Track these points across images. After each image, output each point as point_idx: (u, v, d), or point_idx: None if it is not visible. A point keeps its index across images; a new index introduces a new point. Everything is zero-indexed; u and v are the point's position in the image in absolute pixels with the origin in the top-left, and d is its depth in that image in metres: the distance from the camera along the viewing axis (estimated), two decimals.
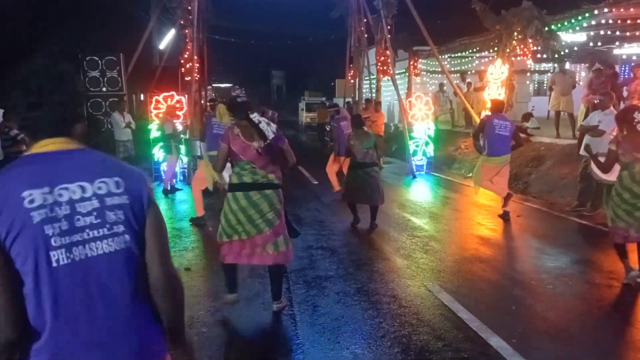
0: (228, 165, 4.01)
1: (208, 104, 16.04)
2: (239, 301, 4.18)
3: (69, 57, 12.00)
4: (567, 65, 13.16)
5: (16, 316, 1.29)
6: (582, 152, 6.63)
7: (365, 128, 7.25)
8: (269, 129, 3.72)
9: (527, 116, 11.98)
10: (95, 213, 1.38)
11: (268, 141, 3.71)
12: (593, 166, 5.23)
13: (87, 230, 1.37)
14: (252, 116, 3.76)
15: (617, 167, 4.62)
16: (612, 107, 7.12)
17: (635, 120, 4.39)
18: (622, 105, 9.07)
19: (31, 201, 1.30)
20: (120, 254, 1.42)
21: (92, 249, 1.37)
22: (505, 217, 7.12)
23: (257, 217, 3.79)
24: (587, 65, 11.80)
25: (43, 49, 1.52)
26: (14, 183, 1.32)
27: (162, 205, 8.52)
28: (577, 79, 11.98)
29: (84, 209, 1.37)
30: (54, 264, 1.32)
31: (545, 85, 19.55)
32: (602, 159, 4.97)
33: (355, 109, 17.06)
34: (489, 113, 7.77)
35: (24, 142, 7.50)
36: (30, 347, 1.32)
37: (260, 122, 3.72)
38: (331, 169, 9.13)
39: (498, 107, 7.45)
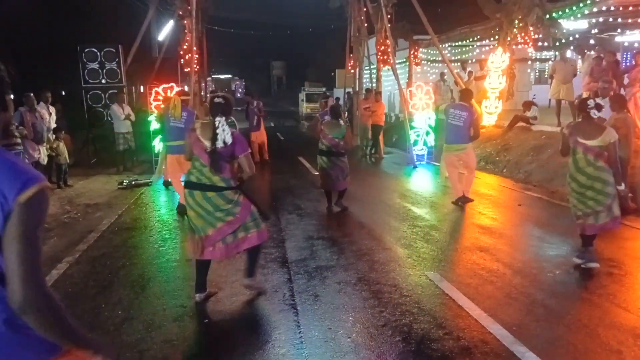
0: None
1: (208, 95, 16.03)
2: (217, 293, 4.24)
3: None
4: (568, 53, 13.08)
5: None
6: None
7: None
8: (222, 138, 3.77)
9: (528, 104, 11.91)
10: None
11: (215, 147, 3.78)
12: None
13: None
14: (216, 119, 3.82)
15: None
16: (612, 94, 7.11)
17: (589, 106, 4.56)
18: (622, 92, 9.04)
19: None
20: None
21: None
22: (465, 200, 7.24)
23: (205, 215, 3.86)
24: (586, 52, 11.72)
25: None
26: None
27: (162, 197, 8.53)
28: (577, 67, 11.89)
29: None
30: None
31: (546, 73, 19.44)
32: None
33: (355, 99, 17.04)
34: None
35: (13, 135, 7.48)
36: None
37: (218, 127, 3.78)
38: None
39: (463, 97, 7.50)
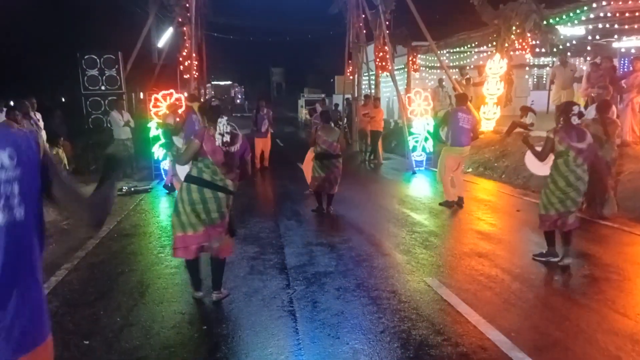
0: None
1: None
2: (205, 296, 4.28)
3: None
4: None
5: None
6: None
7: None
8: (228, 140, 3.91)
9: (525, 109, 11.92)
10: None
11: (227, 149, 3.92)
12: (527, 159, 5.44)
13: None
14: (219, 121, 3.93)
15: (550, 160, 4.95)
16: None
17: (572, 112, 4.73)
18: (619, 99, 9.08)
19: None
20: (15, 226, 1.44)
21: None
22: (461, 202, 7.59)
23: (202, 213, 3.97)
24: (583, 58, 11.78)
25: None
26: None
27: (164, 202, 8.53)
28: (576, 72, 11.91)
29: None
30: None
31: (544, 79, 19.50)
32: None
33: (354, 105, 17.09)
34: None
35: None
36: None
37: (223, 133, 3.90)
38: (308, 166, 8.93)
39: (463, 100, 7.84)
